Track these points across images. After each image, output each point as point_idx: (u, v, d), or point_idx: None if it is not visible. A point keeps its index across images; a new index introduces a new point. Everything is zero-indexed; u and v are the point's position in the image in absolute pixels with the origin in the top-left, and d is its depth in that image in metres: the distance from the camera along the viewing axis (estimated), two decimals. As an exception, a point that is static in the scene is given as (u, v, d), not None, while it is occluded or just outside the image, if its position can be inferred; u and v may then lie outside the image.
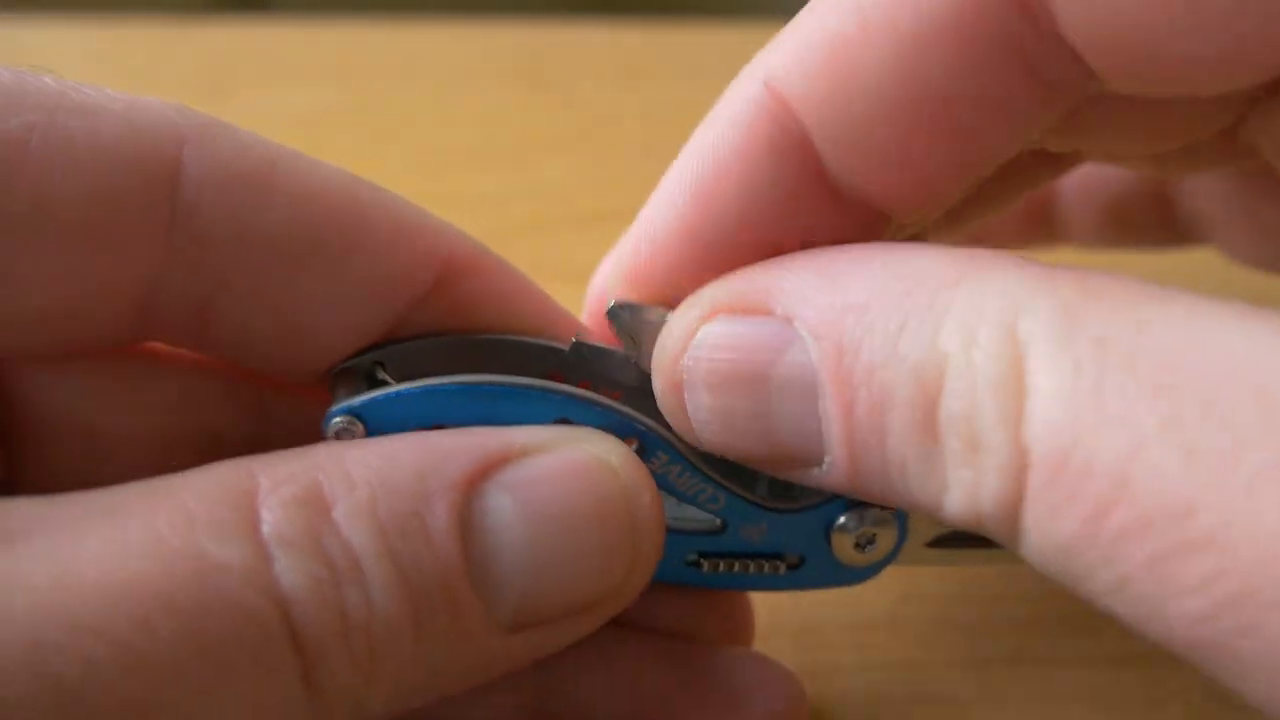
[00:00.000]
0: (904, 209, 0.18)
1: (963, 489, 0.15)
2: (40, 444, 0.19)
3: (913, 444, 0.15)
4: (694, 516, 0.20)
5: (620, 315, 0.19)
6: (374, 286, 0.18)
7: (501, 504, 0.17)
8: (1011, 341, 0.14)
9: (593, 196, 0.40)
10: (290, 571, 0.15)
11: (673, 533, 0.19)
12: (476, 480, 0.17)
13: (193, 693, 0.14)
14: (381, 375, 0.19)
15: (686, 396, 0.18)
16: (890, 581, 0.21)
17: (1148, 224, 0.28)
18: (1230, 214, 0.26)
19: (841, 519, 0.20)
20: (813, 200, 0.18)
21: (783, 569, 0.20)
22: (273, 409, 0.21)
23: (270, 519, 0.15)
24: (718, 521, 0.20)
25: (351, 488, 0.16)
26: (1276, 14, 0.15)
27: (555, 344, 0.20)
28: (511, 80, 0.50)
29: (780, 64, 0.17)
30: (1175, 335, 0.13)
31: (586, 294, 0.22)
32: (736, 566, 0.20)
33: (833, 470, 0.17)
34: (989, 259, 0.15)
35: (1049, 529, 0.14)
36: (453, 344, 0.20)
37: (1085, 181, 0.28)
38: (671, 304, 0.19)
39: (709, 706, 0.21)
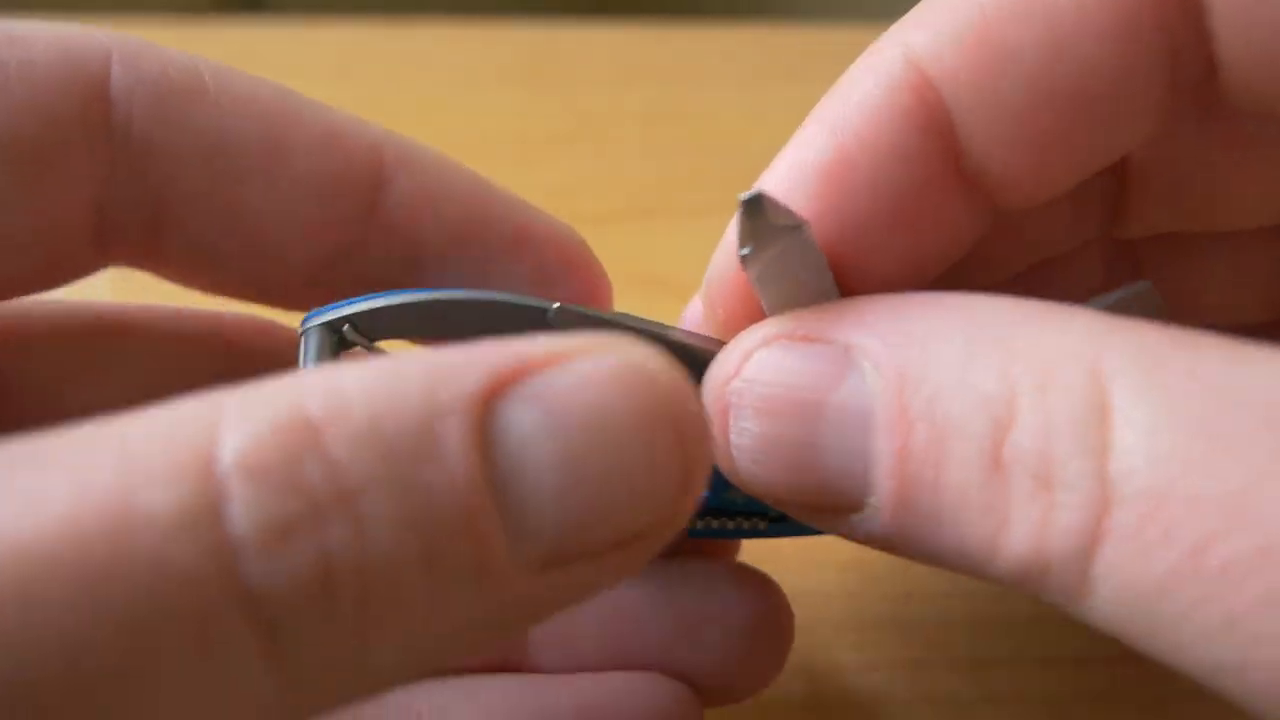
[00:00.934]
0: (1023, 194, 0.18)
1: (1028, 526, 0.14)
2: (9, 424, 0.19)
3: (974, 479, 0.15)
4: None
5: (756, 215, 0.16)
6: (313, 186, 0.19)
7: (526, 418, 0.14)
8: (1093, 375, 0.14)
9: (593, 196, 0.40)
10: (249, 512, 0.12)
11: None
12: (495, 393, 0.14)
13: (113, 677, 0.11)
14: (352, 336, 0.19)
15: (731, 422, 0.17)
16: (891, 581, 0.21)
17: None
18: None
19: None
20: (942, 182, 0.18)
21: (764, 525, 0.21)
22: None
23: (234, 446, 0.12)
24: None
25: (346, 407, 0.13)
26: None
27: (538, 303, 0.20)
28: (511, 80, 0.50)
29: (924, 40, 0.17)
30: (1272, 373, 0.13)
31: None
32: (715, 524, 0.21)
33: (876, 515, 0.16)
34: (1066, 307, 0.15)
35: (1135, 569, 0.13)
36: (423, 304, 0.19)
37: None
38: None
39: (684, 620, 0.20)
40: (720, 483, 0.20)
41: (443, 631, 0.14)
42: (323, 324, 0.20)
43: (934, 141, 0.17)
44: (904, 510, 0.16)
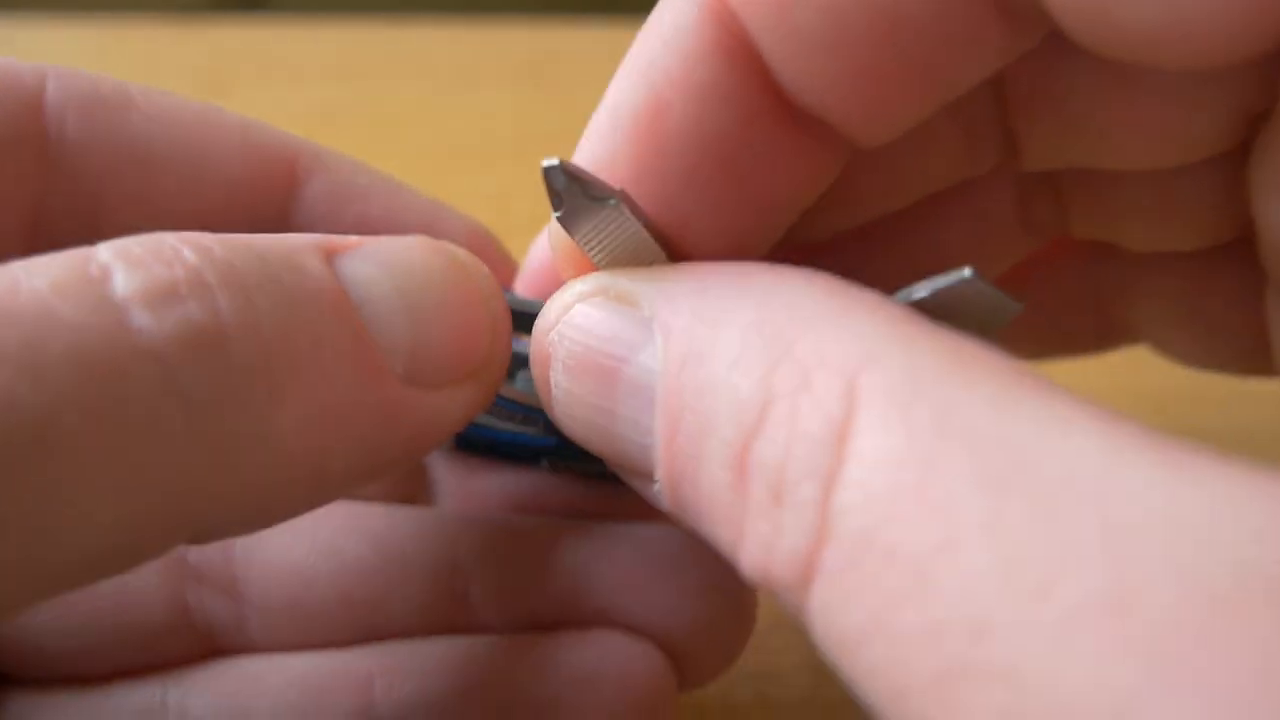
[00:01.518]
0: (861, 132, 0.17)
1: (758, 543, 0.13)
2: None
3: (722, 483, 0.14)
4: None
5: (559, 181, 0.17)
6: (232, 188, 0.20)
7: (363, 266, 0.17)
8: (846, 392, 0.13)
9: (593, 196, 0.40)
10: (128, 280, 0.14)
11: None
12: (333, 253, 0.17)
13: (78, 411, 0.13)
14: None
15: (549, 373, 0.17)
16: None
17: (1078, 331, 0.25)
18: (1173, 315, 0.23)
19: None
20: (768, 120, 0.17)
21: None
22: None
23: (108, 249, 0.14)
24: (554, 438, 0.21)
25: (213, 239, 0.15)
26: None
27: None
28: (511, 80, 0.50)
29: None
30: (1030, 428, 0.11)
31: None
32: (576, 469, 0.21)
33: (661, 495, 0.16)
34: (862, 302, 0.14)
35: (838, 612, 0.12)
36: None
37: (1011, 289, 0.25)
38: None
39: (632, 575, 0.20)
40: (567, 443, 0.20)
41: (335, 413, 0.15)
42: None
43: (748, 76, 0.16)
44: (675, 496, 0.15)
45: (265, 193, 0.20)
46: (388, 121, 0.47)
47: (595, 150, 0.17)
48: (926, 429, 0.12)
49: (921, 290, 0.15)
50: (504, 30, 0.54)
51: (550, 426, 0.20)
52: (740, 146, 0.17)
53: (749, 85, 0.16)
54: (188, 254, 0.14)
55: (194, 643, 0.21)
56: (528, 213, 0.43)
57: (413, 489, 0.23)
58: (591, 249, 0.17)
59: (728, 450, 0.14)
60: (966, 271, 0.15)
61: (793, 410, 0.13)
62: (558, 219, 0.17)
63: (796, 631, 0.24)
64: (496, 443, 0.21)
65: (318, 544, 0.21)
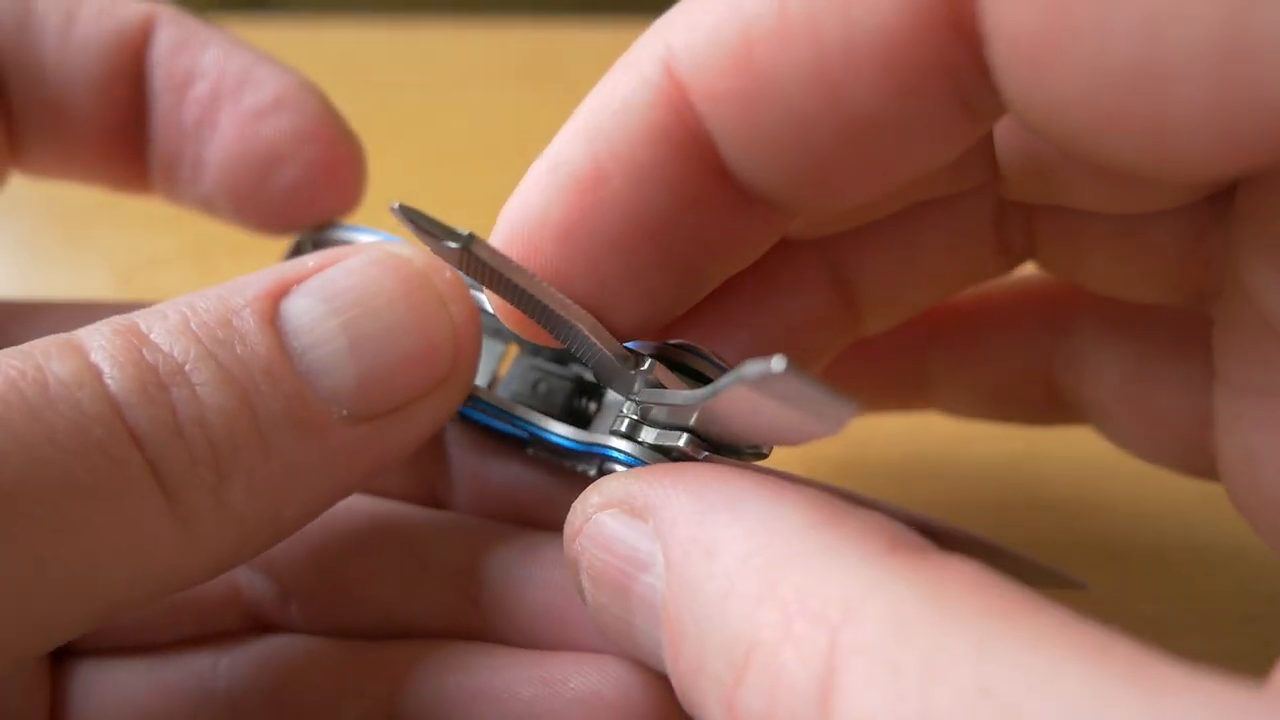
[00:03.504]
0: (807, 211, 0.17)
1: None
2: None
3: (715, 715, 0.14)
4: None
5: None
6: (98, 41, 0.23)
7: (306, 305, 0.18)
8: (831, 645, 0.12)
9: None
10: (116, 380, 0.16)
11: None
12: (278, 294, 0.18)
13: (45, 487, 0.15)
14: None
15: (579, 575, 0.18)
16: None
17: (1026, 401, 0.25)
18: (1119, 399, 0.23)
19: (596, 471, 0.21)
20: (711, 195, 0.17)
21: (593, 473, 0.21)
22: None
23: (93, 345, 0.16)
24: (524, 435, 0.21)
25: (163, 316, 0.17)
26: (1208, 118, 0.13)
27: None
28: (511, 80, 0.50)
29: (683, 45, 0.16)
30: (1018, 676, 0.11)
31: None
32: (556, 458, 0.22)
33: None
34: (847, 537, 0.14)
35: None
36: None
37: (962, 353, 0.25)
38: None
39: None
40: (541, 435, 0.21)
41: (281, 475, 0.17)
42: None
43: (694, 162, 0.16)
44: (682, 698, 0.15)
45: (126, 42, 0.23)
46: (388, 121, 0.47)
47: (530, 199, 0.17)
48: (913, 688, 0.12)
49: (748, 369, 0.14)
50: (504, 30, 0.54)
51: (526, 429, 0.21)
52: (674, 223, 0.17)
53: (692, 170, 0.16)
54: (149, 355, 0.16)
55: (244, 618, 0.22)
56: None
57: (432, 475, 0.23)
58: (475, 280, 0.17)
59: (720, 690, 0.14)
60: (783, 360, 0.13)
61: (775, 658, 0.13)
62: (434, 253, 0.17)
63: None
64: (482, 425, 0.22)
65: (347, 540, 0.22)
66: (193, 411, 0.16)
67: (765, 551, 0.14)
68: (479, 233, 0.16)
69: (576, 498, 0.18)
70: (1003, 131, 0.19)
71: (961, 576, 0.13)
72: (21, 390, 0.15)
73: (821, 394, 0.13)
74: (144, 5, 0.24)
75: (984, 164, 0.20)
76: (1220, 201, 0.19)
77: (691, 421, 0.18)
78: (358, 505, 0.22)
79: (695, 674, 0.15)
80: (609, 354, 0.18)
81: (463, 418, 0.22)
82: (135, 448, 0.16)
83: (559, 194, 0.17)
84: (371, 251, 0.18)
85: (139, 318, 0.17)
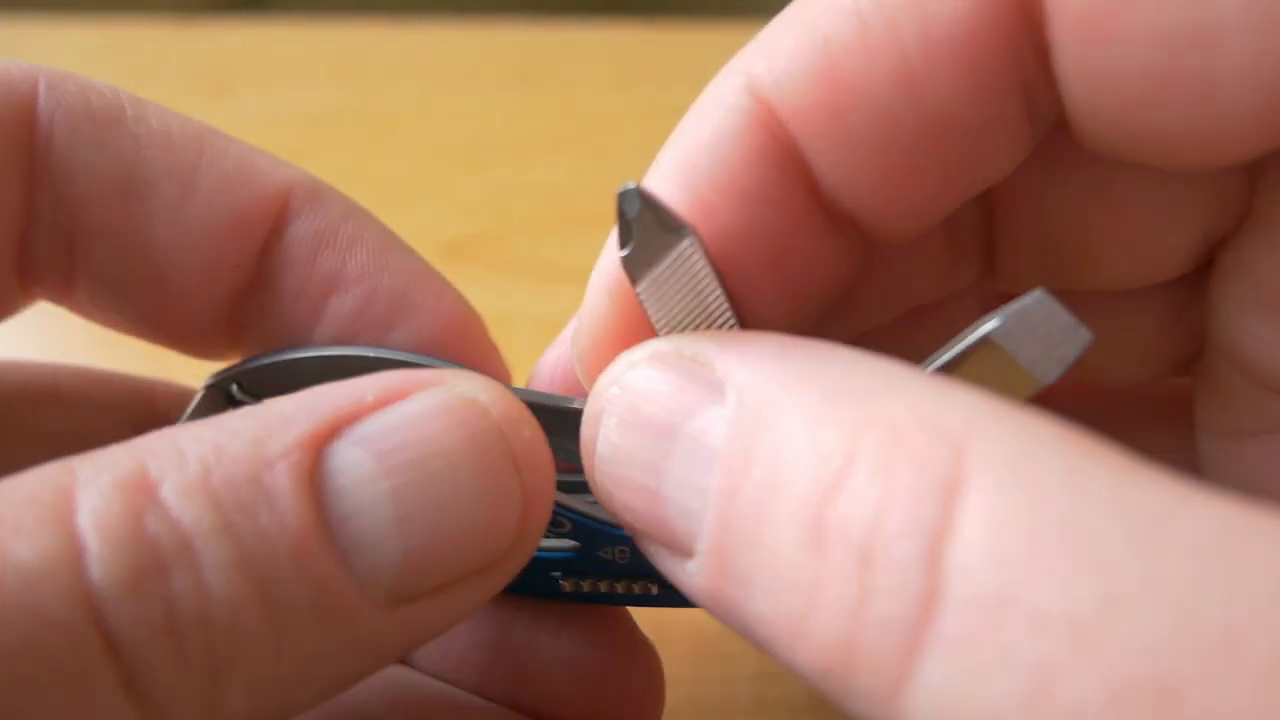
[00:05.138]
0: (891, 229, 0.17)
1: (838, 610, 0.12)
2: None
3: (790, 543, 0.12)
4: (549, 545, 0.19)
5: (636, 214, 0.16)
6: (217, 222, 0.19)
7: (355, 459, 0.15)
8: (955, 453, 0.12)
9: (591, 197, 0.40)
10: (104, 563, 0.13)
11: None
12: (324, 439, 0.15)
13: None
14: (239, 395, 0.19)
15: (599, 430, 0.16)
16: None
17: None
18: None
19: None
20: (806, 220, 0.17)
21: (655, 589, 0.19)
22: None
23: (87, 506, 0.13)
24: (572, 544, 0.19)
25: (182, 464, 0.14)
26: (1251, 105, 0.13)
27: (430, 361, 0.19)
28: (511, 80, 0.50)
29: (766, 69, 0.16)
30: (1161, 494, 0.11)
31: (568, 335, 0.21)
32: (603, 586, 0.19)
33: (699, 573, 0.14)
34: (958, 385, 0.13)
35: (961, 689, 0.11)
36: (311, 360, 0.19)
37: None
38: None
39: (516, 656, 0.20)
40: (591, 543, 0.19)
41: (292, 670, 0.14)
42: (210, 384, 0.19)
43: (790, 180, 0.16)
44: (721, 563, 0.14)
45: (251, 227, 0.19)
46: (388, 121, 0.47)
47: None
48: (1056, 491, 0.11)
49: (993, 320, 0.14)
50: (503, 30, 0.54)
51: (576, 529, 0.18)
52: (777, 245, 0.17)
53: (790, 188, 0.16)
54: (152, 524, 0.13)
55: None
56: (526, 213, 0.43)
57: None
58: (654, 302, 0.16)
59: (801, 507, 0.12)
60: (1039, 292, 0.14)
61: (885, 466, 0.12)
62: (624, 259, 0.15)
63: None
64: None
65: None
66: (193, 606, 0.13)
67: (867, 383, 0.13)
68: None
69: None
70: (1006, 211, 0.20)
71: (1082, 430, 0.12)
72: None
73: (1070, 321, 0.14)
74: (276, 175, 0.19)
75: (979, 259, 0.20)
76: (1196, 278, 0.19)
77: None
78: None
79: (762, 502, 0.13)
80: None
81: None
82: (108, 658, 0.13)
83: None
84: (441, 395, 0.15)
85: (150, 459, 0.14)
